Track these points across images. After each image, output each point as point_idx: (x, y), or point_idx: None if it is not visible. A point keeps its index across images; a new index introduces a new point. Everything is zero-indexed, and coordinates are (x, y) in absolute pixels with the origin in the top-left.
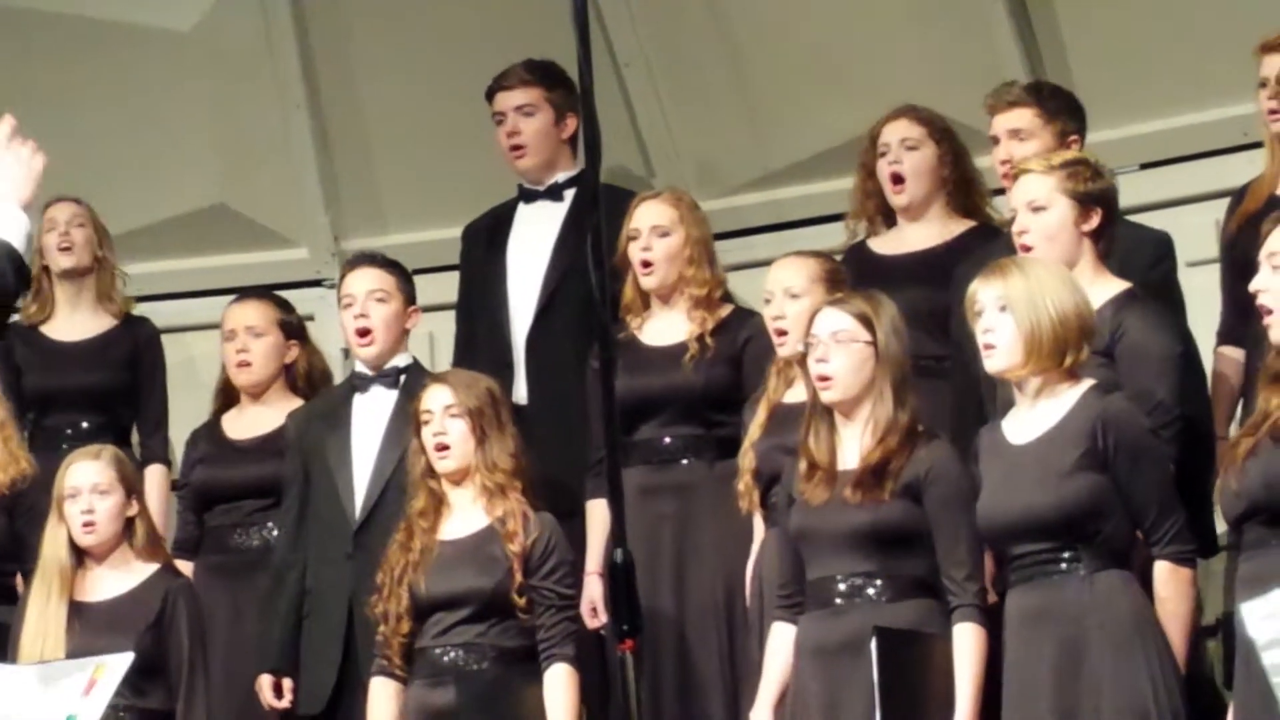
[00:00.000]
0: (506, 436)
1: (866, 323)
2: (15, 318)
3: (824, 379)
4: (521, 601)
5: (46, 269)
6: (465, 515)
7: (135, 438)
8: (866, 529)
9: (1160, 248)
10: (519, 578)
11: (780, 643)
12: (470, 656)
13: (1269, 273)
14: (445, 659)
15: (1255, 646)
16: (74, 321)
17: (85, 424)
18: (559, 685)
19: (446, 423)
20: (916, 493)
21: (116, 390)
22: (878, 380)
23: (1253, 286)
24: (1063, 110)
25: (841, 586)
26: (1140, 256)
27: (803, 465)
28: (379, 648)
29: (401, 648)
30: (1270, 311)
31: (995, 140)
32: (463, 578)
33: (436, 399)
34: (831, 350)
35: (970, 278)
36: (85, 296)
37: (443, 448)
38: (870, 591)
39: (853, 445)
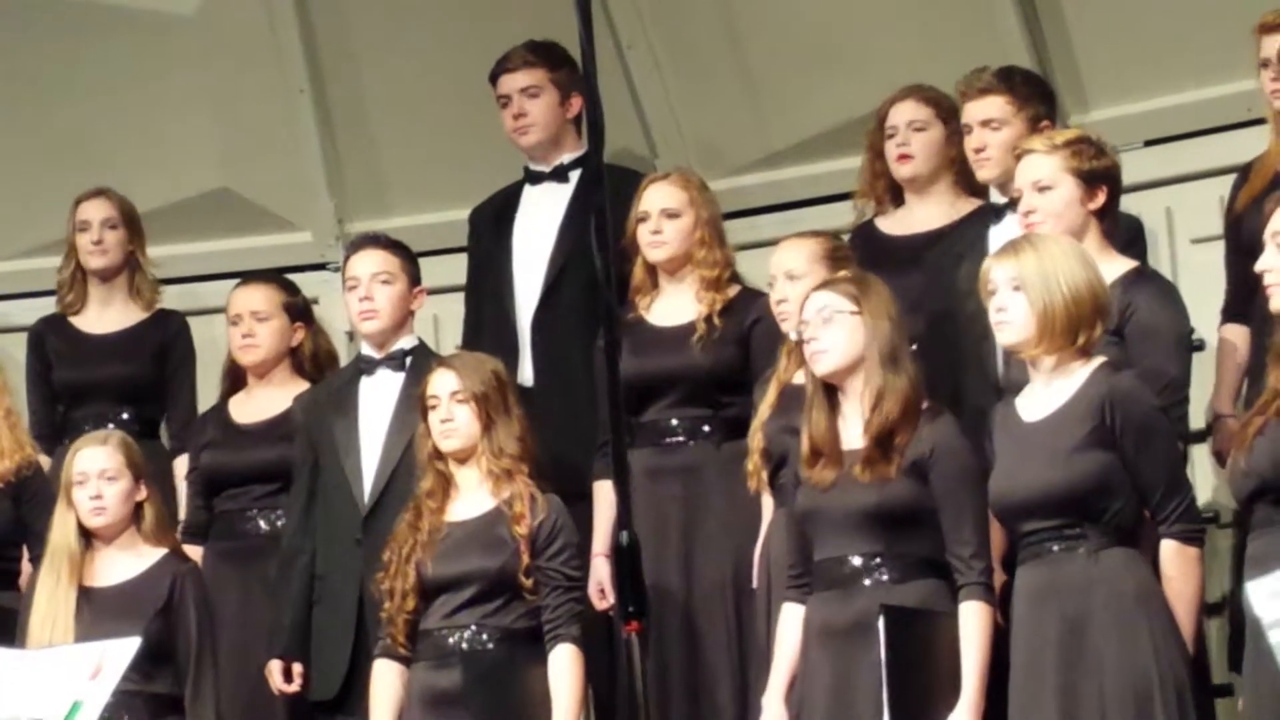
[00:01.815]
0: (513, 420)
1: (852, 296)
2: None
3: (816, 354)
4: (529, 583)
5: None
6: (472, 497)
7: (164, 429)
8: (872, 509)
9: (1130, 231)
10: (526, 559)
11: (791, 625)
12: (476, 638)
13: (1274, 251)
14: (450, 640)
15: (1261, 625)
16: (104, 314)
17: (115, 416)
18: (563, 665)
19: (453, 408)
20: (922, 471)
21: (145, 382)
22: (867, 350)
23: (1259, 266)
24: (1034, 96)
25: (848, 567)
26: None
27: (805, 450)
28: (383, 626)
29: (406, 625)
30: (1274, 286)
31: (968, 129)
32: (469, 559)
33: (442, 384)
34: (820, 328)
35: (940, 262)
36: (117, 291)
37: (449, 433)
38: (877, 572)
39: (854, 423)
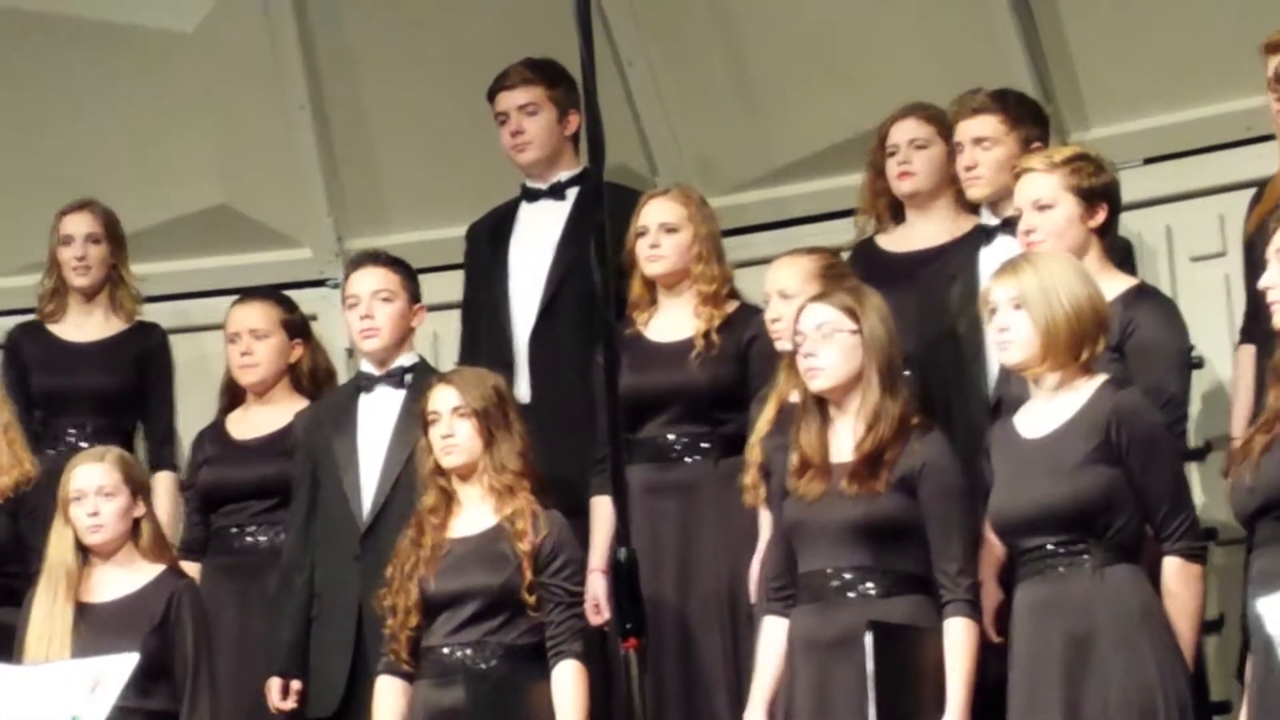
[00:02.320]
0: (514, 435)
1: (851, 314)
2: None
3: (812, 370)
4: (532, 599)
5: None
6: (474, 513)
7: (140, 442)
8: (861, 522)
9: (1119, 253)
10: (529, 576)
11: (773, 638)
12: (478, 655)
13: (1277, 268)
14: (453, 658)
15: (1273, 642)
16: (85, 323)
17: (91, 426)
18: (568, 682)
19: (454, 424)
20: (911, 486)
21: (123, 393)
22: (865, 369)
23: (1261, 284)
24: (1026, 117)
25: (834, 581)
26: None
27: (794, 460)
28: (386, 642)
29: (409, 642)
30: (1277, 304)
31: (959, 147)
32: (471, 575)
33: (443, 400)
34: (819, 344)
35: (932, 283)
36: (98, 301)
37: (450, 449)
38: (863, 586)
39: (846, 437)
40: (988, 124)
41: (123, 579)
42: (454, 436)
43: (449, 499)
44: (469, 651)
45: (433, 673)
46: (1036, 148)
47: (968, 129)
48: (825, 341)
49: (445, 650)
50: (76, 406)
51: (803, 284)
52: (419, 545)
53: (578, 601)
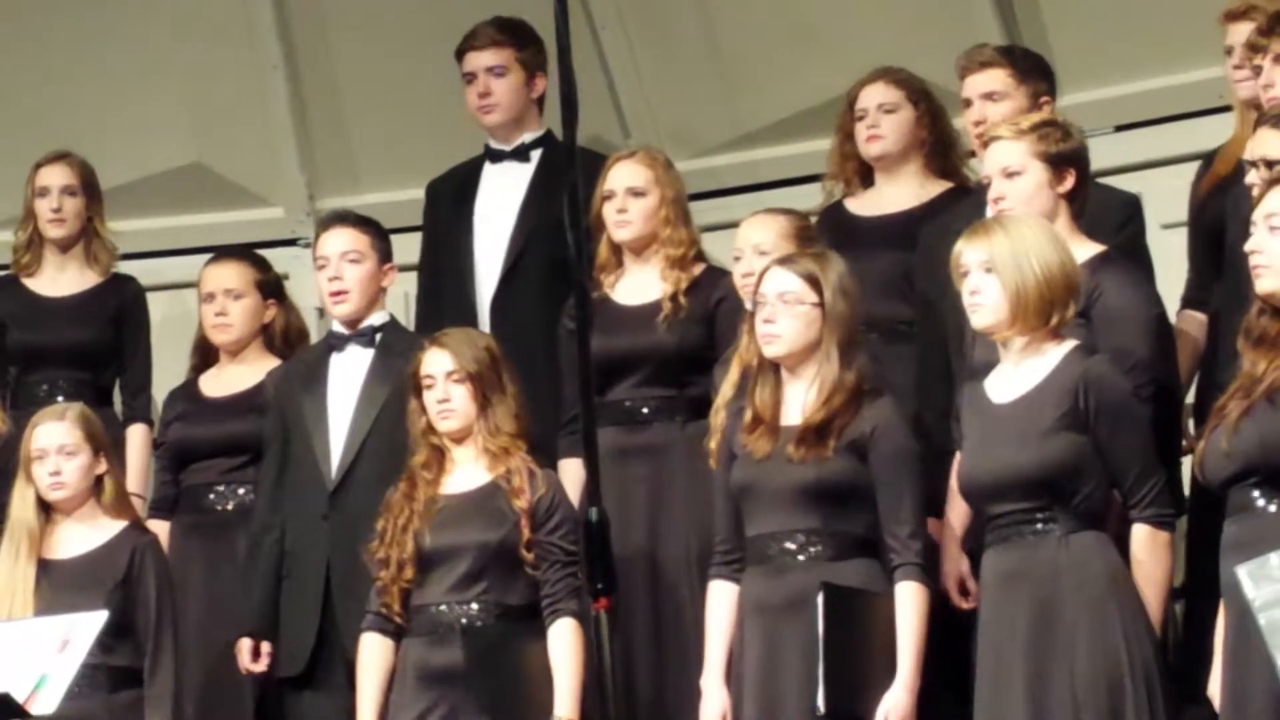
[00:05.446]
0: (508, 397)
1: (814, 283)
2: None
3: (769, 337)
4: (530, 557)
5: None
6: (468, 471)
7: (117, 396)
8: (811, 485)
9: (1128, 209)
10: (526, 533)
11: (723, 602)
12: (474, 614)
13: (1265, 233)
14: (447, 616)
15: (1251, 607)
16: (60, 278)
17: (68, 381)
18: (565, 639)
19: (449, 389)
20: (861, 449)
21: (100, 347)
22: (824, 340)
23: (1248, 246)
24: (1034, 71)
25: (783, 544)
26: (1108, 218)
27: (747, 417)
28: (376, 595)
29: (402, 595)
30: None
31: (967, 103)
32: (468, 531)
33: (437, 364)
34: (779, 311)
35: (934, 240)
36: (73, 255)
37: (446, 414)
38: (812, 550)
39: (797, 401)
40: (997, 78)
41: (85, 535)
42: (450, 401)
43: (441, 456)
44: (463, 609)
45: (425, 631)
46: (1045, 102)
47: (976, 84)
48: (786, 310)
49: (440, 609)
50: (54, 362)
51: (778, 240)
52: (411, 499)
53: (574, 560)
